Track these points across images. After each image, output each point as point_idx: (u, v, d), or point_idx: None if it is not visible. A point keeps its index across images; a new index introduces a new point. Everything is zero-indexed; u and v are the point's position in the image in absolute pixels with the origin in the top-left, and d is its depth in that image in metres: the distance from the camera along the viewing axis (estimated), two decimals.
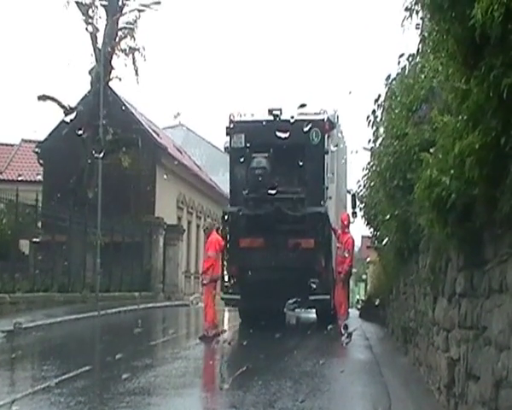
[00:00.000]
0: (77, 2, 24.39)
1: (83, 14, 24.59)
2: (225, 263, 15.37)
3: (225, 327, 16.24)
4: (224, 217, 16.19)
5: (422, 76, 8.67)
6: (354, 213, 17.12)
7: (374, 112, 11.29)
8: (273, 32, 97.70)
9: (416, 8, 6.96)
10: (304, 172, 15.60)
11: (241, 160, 15.76)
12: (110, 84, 25.64)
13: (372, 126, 11.46)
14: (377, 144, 11.56)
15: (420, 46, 9.75)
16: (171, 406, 8.04)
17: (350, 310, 18.44)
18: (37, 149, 30.52)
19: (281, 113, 15.43)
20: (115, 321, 18.66)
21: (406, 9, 7.38)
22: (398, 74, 10.65)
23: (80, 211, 23.03)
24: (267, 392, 8.47)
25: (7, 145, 37.72)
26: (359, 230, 21.31)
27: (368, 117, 11.36)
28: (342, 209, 18.16)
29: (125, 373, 9.21)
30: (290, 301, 14.92)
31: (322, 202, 15.79)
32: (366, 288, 31.91)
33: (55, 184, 25.92)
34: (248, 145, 15.82)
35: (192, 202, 35.91)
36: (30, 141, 35.10)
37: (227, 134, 16.37)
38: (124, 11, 25.51)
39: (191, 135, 48.94)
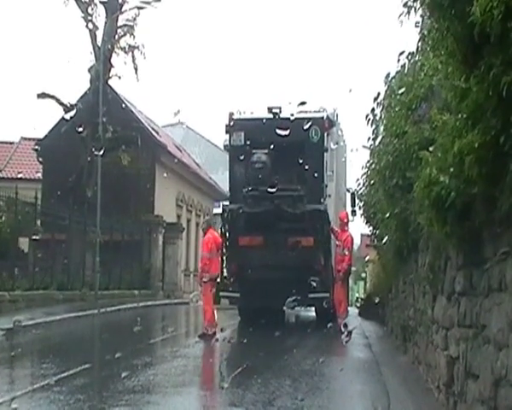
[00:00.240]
0: (76, 0, 24.37)
1: (82, 11, 24.57)
2: (224, 261, 15.37)
3: (224, 325, 16.20)
4: (223, 215, 16.19)
5: (422, 74, 8.66)
6: (353, 212, 17.13)
7: (373, 110, 11.30)
8: (273, 30, 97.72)
9: (416, 5, 6.96)
10: (303, 171, 15.60)
11: (241, 158, 15.76)
12: (110, 82, 25.61)
13: (371, 125, 11.48)
14: (377, 143, 11.56)
15: (419, 44, 9.75)
16: (170, 404, 8.04)
17: (349, 308, 18.42)
18: (36, 147, 30.48)
19: (280, 111, 15.43)
20: (114, 319, 18.66)
21: (404, 5, 7.38)
22: (397, 72, 10.64)
23: (79, 209, 23.00)
24: (266, 390, 8.47)
25: (6, 143, 37.70)
26: (359, 228, 21.30)
27: (367, 115, 11.37)
28: (341, 208, 18.16)
29: (125, 371, 9.21)
30: (290, 299, 14.93)
31: (321, 200, 15.80)
32: (365, 286, 31.94)
33: (54, 183, 25.89)
34: (248, 143, 15.82)
35: (191, 201, 35.90)
36: (29, 139, 35.08)
37: (226, 132, 16.37)
38: (123, 9, 25.48)
39: (191, 133, 48.90)
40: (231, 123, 16.20)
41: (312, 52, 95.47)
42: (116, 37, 25.40)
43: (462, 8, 4.58)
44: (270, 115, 15.47)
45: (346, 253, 16.09)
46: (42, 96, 24.82)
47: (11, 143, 37.92)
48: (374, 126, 11.50)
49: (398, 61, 10.43)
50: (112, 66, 25.35)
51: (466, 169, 4.83)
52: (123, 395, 8.05)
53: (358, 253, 35.43)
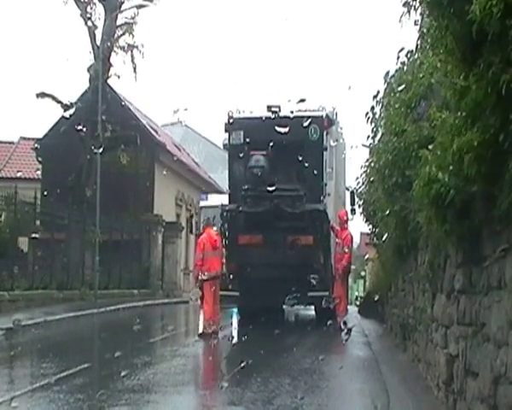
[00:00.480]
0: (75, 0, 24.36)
1: (81, 10, 24.55)
2: (224, 260, 15.36)
3: (224, 324, 16.20)
4: (222, 214, 16.18)
5: (421, 73, 8.66)
6: (353, 210, 17.12)
7: (372, 108, 11.29)
8: (272, 28, 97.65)
9: (415, 4, 6.96)
10: (302, 169, 15.59)
11: (240, 157, 15.75)
12: (109, 81, 25.60)
13: (371, 123, 11.47)
14: (376, 141, 11.56)
15: (419, 42, 9.75)
16: (169, 403, 8.04)
17: (349, 307, 18.43)
18: (36, 145, 30.45)
19: (279, 109, 15.42)
20: (114, 319, 18.66)
21: (404, 4, 7.38)
22: (396, 71, 10.64)
23: (79, 209, 23.01)
24: (266, 389, 8.47)
25: (6, 143, 37.68)
26: (358, 227, 21.30)
27: (367, 114, 11.36)
28: (341, 206, 18.15)
29: (124, 371, 9.21)
30: (289, 297, 14.93)
31: (320, 199, 15.80)
32: (365, 285, 31.93)
33: (53, 182, 25.88)
34: (247, 142, 15.82)
35: (191, 200, 35.88)
36: (29, 138, 35.06)
37: (226, 131, 16.37)
38: (122, 8, 25.47)
39: (190, 132, 48.88)
40: (230, 122, 16.19)
41: (312, 50, 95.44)
42: (115, 36, 25.39)
43: (461, 6, 4.58)
44: (269, 114, 15.46)
45: (346, 250, 16.10)
46: (41, 95, 24.82)
47: (10, 142, 37.89)
48: (373, 125, 11.50)
49: (398, 58, 10.44)
50: (111, 65, 25.34)
51: (465, 167, 4.83)
52: (122, 395, 8.05)
53: (358, 251, 35.42)
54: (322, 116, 16.04)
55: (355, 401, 8.49)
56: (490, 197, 4.82)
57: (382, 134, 10.81)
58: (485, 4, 4.10)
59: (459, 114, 5.11)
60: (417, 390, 8.26)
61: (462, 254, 6.05)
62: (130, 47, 25.62)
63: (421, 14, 7.76)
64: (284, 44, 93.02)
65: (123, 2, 25.44)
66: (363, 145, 12.50)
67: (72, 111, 24.56)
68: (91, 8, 24.81)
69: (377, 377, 9.61)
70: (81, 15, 24.64)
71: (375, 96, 11.17)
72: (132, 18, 25.57)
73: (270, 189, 14.93)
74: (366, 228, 17.21)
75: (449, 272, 6.74)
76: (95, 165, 22.70)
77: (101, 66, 23.84)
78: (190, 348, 13.04)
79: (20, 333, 13.95)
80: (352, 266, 20.70)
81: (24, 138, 37.01)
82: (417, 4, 7.08)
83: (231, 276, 15.10)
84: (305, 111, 15.62)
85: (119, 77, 25.80)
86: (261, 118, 15.63)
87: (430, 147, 6.10)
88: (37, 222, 22.23)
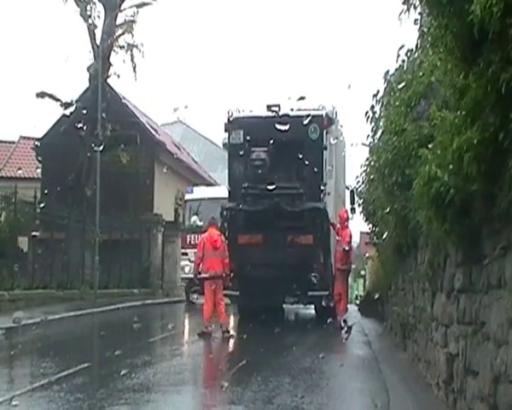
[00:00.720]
0: None
1: (81, 10, 24.55)
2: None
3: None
4: (222, 213, 16.18)
5: (421, 71, 8.66)
6: (353, 209, 17.11)
7: (372, 108, 11.29)
8: (271, 27, 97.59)
9: (415, 1, 6.96)
10: (302, 168, 15.60)
11: (240, 156, 15.76)
12: (108, 80, 25.60)
13: (371, 122, 11.46)
14: (376, 140, 11.55)
15: (419, 41, 9.74)
16: (169, 402, 8.04)
17: (348, 306, 18.44)
18: (37, 143, 30.44)
19: (279, 109, 15.43)
20: (114, 318, 18.65)
21: (404, 2, 7.37)
22: (396, 70, 10.63)
23: (79, 208, 23.01)
24: (266, 388, 8.47)
25: (5, 142, 37.67)
26: (358, 226, 21.26)
27: (366, 113, 11.36)
28: (341, 205, 18.15)
29: (124, 370, 9.23)
30: (289, 296, 14.94)
31: (320, 198, 15.80)
32: (365, 284, 31.91)
33: (53, 181, 25.87)
34: (247, 141, 15.82)
35: None
36: (29, 138, 35.05)
37: (225, 130, 16.37)
38: (122, 7, 25.47)
39: (190, 131, 48.90)
40: (230, 121, 16.20)
41: (311, 49, 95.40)
42: (115, 35, 25.38)
43: (461, 5, 4.58)
44: (269, 113, 15.46)
45: (347, 248, 16.09)
46: (41, 95, 24.81)
47: (10, 142, 37.88)
48: (373, 124, 11.50)
49: (398, 55, 10.43)
50: (111, 64, 25.34)
51: (465, 166, 4.83)
52: (122, 394, 8.05)
53: (358, 251, 35.38)
54: (322, 115, 16.04)
55: (355, 400, 8.48)
56: (490, 196, 4.82)
57: (382, 133, 10.80)
58: (486, 3, 4.10)
59: (459, 112, 5.11)
60: (417, 389, 8.26)
61: (462, 253, 6.05)
62: (130, 46, 25.62)
63: (420, 13, 7.76)
64: (284, 43, 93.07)
65: (123, 1, 25.44)
66: (363, 144, 12.51)
67: (72, 109, 24.57)
68: (91, 8, 24.83)
69: (377, 376, 9.60)
70: (81, 14, 24.65)
71: (374, 95, 11.17)
72: (132, 16, 25.59)
73: (270, 187, 14.93)
74: (366, 227, 17.21)
75: (449, 271, 6.74)
76: (95, 164, 22.70)
77: (100, 65, 23.82)
78: (190, 348, 13.04)
79: (20, 332, 13.95)
80: (353, 266, 20.69)
81: (24, 138, 37.00)
82: (417, 2, 7.08)
83: (231, 275, 15.09)
84: (305, 110, 15.63)
85: (118, 76, 25.82)
86: (261, 117, 15.65)
87: (430, 146, 6.10)
88: (37, 222, 22.21)
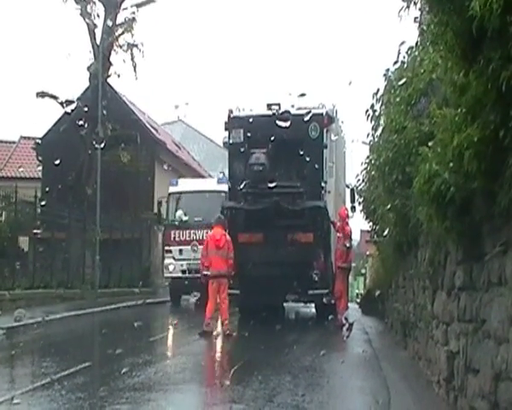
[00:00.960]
0: None
1: (81, 9, 24.56)
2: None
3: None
4: (222, 212, 16.18)
5: (421, 69, 8.66)
6: (353, 208, 17.11)
7: (372, 106, 11.28)
8: (271, 26, 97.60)
9: None
10: (303, 167, 15.59)
11: (240, 155, 15.75)
12: (109, 80, 25.62)
13: (371, 121, 11.45)
14: (376, 138, 11.55)
15: (419, 39, 9.73)
16: (170, 401, 8.04)
17: (349, 304, 18.44)
18: (38, 141, 30.46)
19: (279, 107, 15.43)
20: (114, 317, 18.66)
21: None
22: (396, 69, 10.62)
23: (79, 208, 23.02)
24: (267, 387, 8.47)
25: (6, 142, 37.67)
26: (358, 224, 21.24)
27: (367, 111, 11.35)
28: (341, 204, 18.15)
29: (125, 369, 9.23)
30: (289, 295, 14.92)
31: (321, 197, 15.79)
32: (365, 282, 31.91)
33: (53, 181, 25.88)
34: (247, 140, 15.81)
35: None
36: (29, 138, 35.06)
37: (226, 129, 16.36)
38: (122, 6, 25.48)
39: (190, 130, 48.90)
40: (230, 120, 16.19)
41: (312, 46, 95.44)
42: (115, 34, 25.39)
43: (461, 2, 4.57)
44: (269, 112, 15.46)
45: (348, 244, 16.08)
46: (41, 95, 24.82)
47: (11, 142, 37.89)
48: (373, 122, 11.49)
49: (399, 52, 10.41)
50: (111, 64, 25.36)
51: (465, 164, 4.83)
52: (123, 393, 8.05)
53: (358, 249, 35.39)
54: (322, 114, 16.03)
55: (356, 398, 8.48)
56: (490, 194, 4.82)
57: (382, 131, 10.80)
58: (486, 1, 4.09)
59: (459, 110, 5.11)
60: (418, 387, 8.26)
61: (463, 251, 6.05)
62: (130, 46, 25.65)
63: (420, 9, 7.75)
64: (284, 41, 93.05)
65: (123, 0, 25.45)
66: (364, 142, 12.50)
67: (73, 106, 24.58)
68: (91, 7, 24.85)
69: (378, 374, 9.60)
70: (81, 14, 24.66)
71: (375, 94, 11.16)
72: (132, 16, 25.60)
73: (271, 186, 14.93)
74: (366, 226, 17.21)
75: (449, 269, 6.74)
76: (95, 163, 22.72)
77: (101, 65, 23.84)
78: (191, 347, 13.03)
79: (21, 331, 13.96)
80: (353, 264, 20.69)
81: (24, 138, 37.01)
82: (417, 0, 7.07)
83: (232, 273, 15.09)
84: (305, 108, 15.62)
85: (119, 76, 25.87)
86: (261, 116, 15.64)
87: (430, 144, 6.09)
88: (38, 222, 22.23)
